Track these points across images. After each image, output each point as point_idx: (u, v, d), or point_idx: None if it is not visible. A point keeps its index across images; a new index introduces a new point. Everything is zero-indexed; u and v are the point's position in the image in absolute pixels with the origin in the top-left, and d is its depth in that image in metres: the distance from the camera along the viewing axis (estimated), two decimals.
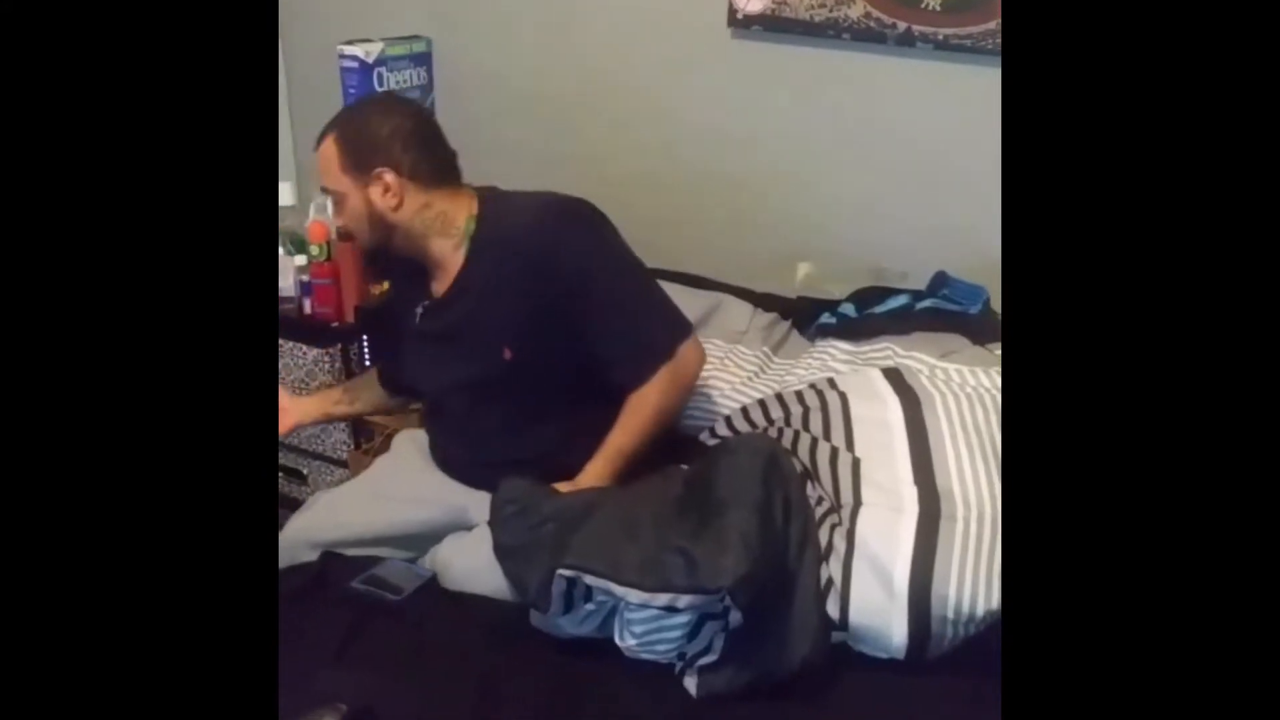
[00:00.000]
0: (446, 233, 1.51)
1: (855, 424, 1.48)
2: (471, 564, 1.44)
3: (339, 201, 1.53)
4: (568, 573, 1.23)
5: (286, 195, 2.13)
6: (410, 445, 1.73)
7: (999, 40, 1.74)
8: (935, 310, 1.76)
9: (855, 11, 1.84)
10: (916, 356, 1.66)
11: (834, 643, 1.29)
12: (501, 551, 1.34)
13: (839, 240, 2.00)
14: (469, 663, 1.29)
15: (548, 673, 1.27)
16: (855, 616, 1.28)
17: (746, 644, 1.24)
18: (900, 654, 1.27)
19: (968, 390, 1.52)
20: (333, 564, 1.51)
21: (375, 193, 1.48)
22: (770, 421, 1.61)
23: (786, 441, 1.51)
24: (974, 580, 1.24)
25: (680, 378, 1.52)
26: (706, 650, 1.25)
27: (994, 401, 1.49)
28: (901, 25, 1.82)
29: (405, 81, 2.17)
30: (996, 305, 1.78)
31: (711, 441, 1.67)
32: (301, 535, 1.57)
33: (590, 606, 1.28)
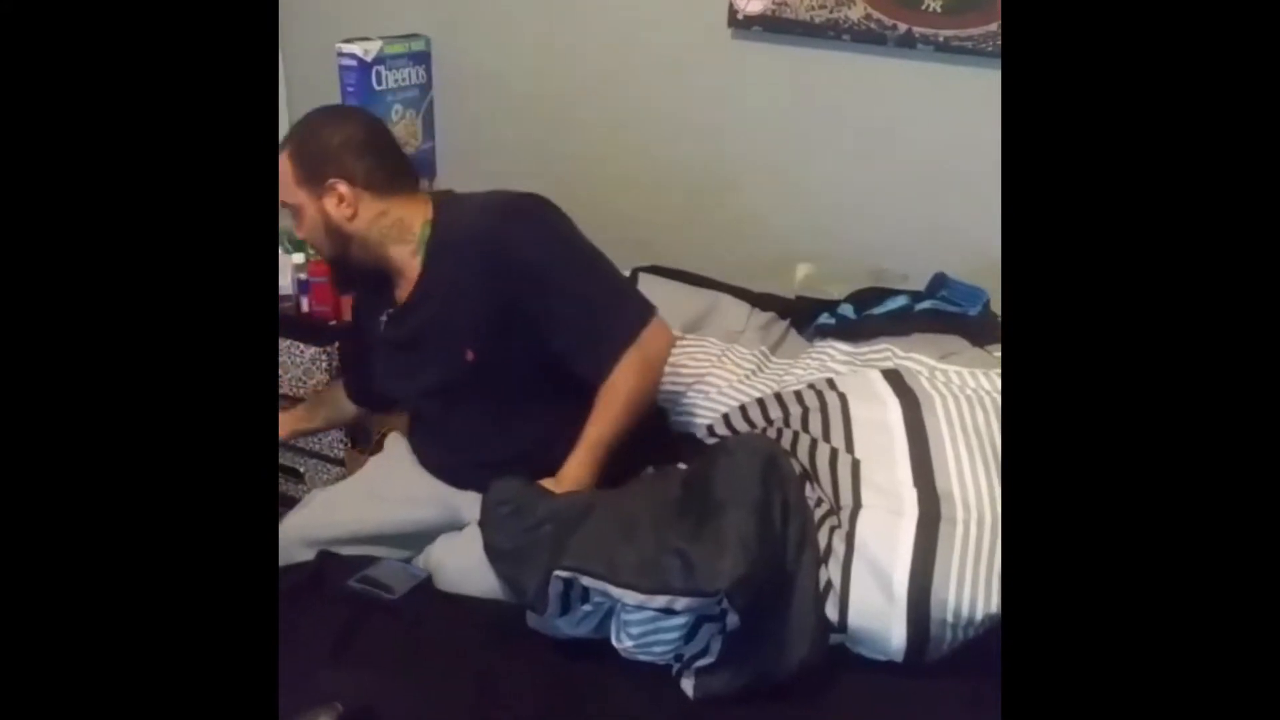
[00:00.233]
0: (404, 239, 1.51)
1: (855, 425, 1.48)
2: (464, 564, 1.44)
3: (297, 215, 1.53)
4: (565, 574, 1.23)
5: None
6: (403, 445, 1.72)
7: (999, 42, 1.74)
8: (935, 312, 1.76)
9: (856, 12, 1.83)
10: (916, 358, 1.66)
11: (832, 644, 1.29)
12: (494, 554, 1.34)
13: (839, 241, 1.99)
14: (466, 662, 1.28)
15: (545, 673, 1.27)
16: (854, 619, 1.28)
17: (744, 646, 1.23)
18: (899, 657, 1.27)
19: (968, 392, 1.52)
20: (329, 563, 1.51)
21: (330, 204, 1.48)
22: (769, 422, 1.61)
23: (786, 442, 1.50)
24: (973, 583, 1.24)
25: (648, 362, 1.50)
26: (704, 652, 1.25)
27: (994, 404, 1.49)
28: (902, 27, 1.82)
29: (404, 80, 2.17)
30: (996, 307, 1.78)
31: (710, 441, 1.66)
32: (297, 533, 1.57)
33: (587, 608, 1.27)
